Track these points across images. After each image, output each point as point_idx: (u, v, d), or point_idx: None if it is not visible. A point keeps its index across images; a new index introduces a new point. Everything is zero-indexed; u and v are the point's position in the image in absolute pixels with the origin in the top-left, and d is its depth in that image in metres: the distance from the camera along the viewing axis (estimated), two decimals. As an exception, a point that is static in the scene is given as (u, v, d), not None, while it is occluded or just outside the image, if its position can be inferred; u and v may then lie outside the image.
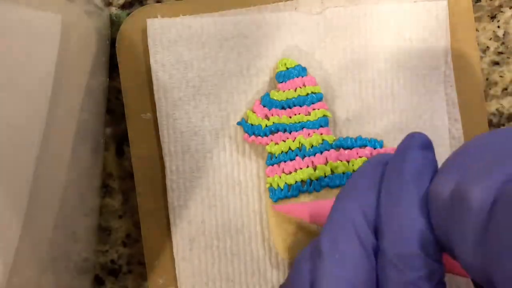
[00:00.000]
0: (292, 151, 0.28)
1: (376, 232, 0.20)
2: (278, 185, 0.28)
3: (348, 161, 0.28)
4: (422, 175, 0.20)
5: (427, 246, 0.19)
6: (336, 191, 0.28)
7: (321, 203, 0.26)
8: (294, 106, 0.28)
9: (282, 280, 0.29)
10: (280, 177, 0.28)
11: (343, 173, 0.28)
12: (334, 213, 0.21)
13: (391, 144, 0.29)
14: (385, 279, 0.20)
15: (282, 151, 0.28)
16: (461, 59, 0.30)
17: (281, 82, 0.29)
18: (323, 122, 0.28)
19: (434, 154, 0.21)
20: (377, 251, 0.20)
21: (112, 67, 0.30)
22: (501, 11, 0.31)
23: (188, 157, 0.29)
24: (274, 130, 0.28)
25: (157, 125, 0.29)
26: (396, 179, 0.20)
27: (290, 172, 0.28)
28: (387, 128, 0.30)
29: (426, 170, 0.20)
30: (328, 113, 0.29)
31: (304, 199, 0.28)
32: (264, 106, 0.28)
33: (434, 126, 0.30)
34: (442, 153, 0.29)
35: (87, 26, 0.27)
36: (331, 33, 0.29)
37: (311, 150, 0.28)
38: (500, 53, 0.31)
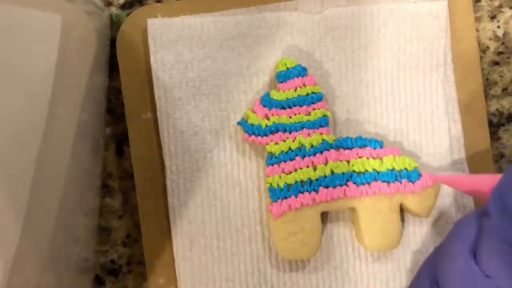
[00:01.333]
0: (292, 151, 0.28)
1: None
2: (278, 185, 0.28)
3: (348, 161, 0.28)
4: None
5: None
6: None
7: (479, 177, 0.26)
8: (294, 106, 0.28)
9: (282, 280, 0.29)
10: (280, 177, 0.28)
11: (343, 173, 0.28)
12: (505, 182, 0.21)
13: (391, 144, 0.29)
14: None
15: (282, 151, 0.28)
16: (461, 59, 0.30)
17: (281, 82, 0.29)
18: (323, 122, 0.28)
19: None
20: None
21: (112, 67, 0.30)
22: (501, 11, 0.31)
23: (188, 157, 0.29)
24: (274, 130, 0.28)
25: (157, 125, 0.29)
26: None
27: (290, 172, 0.28)
28: (387, 128, 0.30)
29: None
30: (328, 113, 0.29)
31: None
32: (264, 106, 0.28)
33: (434, 126, 0.30)
34: (442, 153, 0.30)
35: (87, 26, 0.27)
36: (331, 33, 0.29)
37: (311, 150, 0.28)
38: (500, 53, 0.31)
